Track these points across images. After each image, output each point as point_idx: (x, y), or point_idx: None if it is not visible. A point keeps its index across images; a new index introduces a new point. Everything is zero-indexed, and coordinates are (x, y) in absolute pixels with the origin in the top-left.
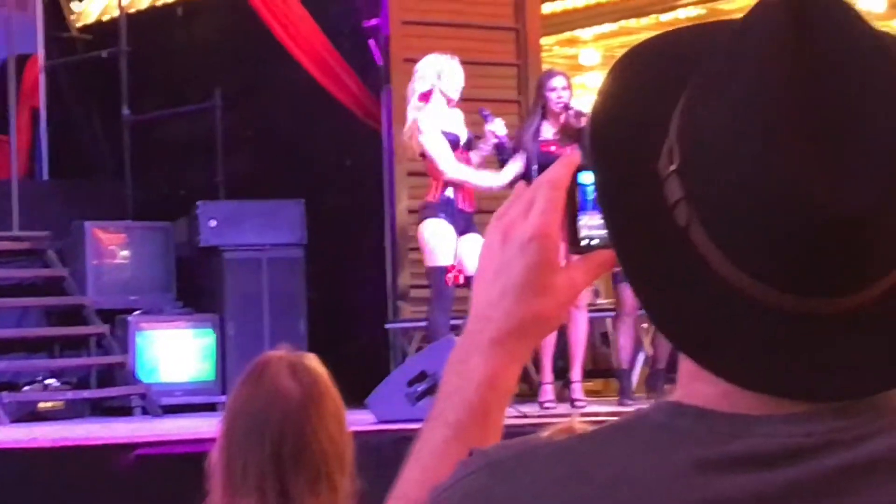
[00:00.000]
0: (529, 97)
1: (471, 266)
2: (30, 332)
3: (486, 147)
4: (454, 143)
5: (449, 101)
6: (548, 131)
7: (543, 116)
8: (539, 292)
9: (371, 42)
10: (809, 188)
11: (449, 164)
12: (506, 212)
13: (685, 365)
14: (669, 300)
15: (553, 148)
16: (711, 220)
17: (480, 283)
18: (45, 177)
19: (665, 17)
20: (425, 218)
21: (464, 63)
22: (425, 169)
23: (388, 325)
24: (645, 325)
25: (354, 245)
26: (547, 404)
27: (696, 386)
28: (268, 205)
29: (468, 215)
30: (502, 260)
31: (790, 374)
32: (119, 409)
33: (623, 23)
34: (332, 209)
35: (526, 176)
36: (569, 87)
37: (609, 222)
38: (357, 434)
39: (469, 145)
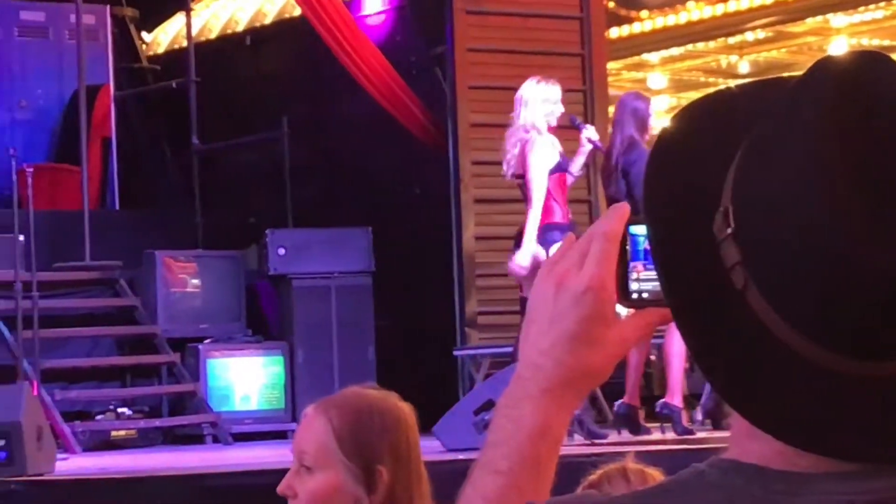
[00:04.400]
0: (597, 122)
1: None
2: (102, 361)
3: (582, 156)
4: (565, 166)
5: (549, 127)
6: None
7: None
8: (591, 344)
9: (437, 70)
10: (869, 254)
11: (537, 206)
12: (558, 260)
13: (739, 423)
14: (724, 360)
15: None
16: (769, 284)
17: (531, 331)
18: (116, 206)
19: (732, 40)
20: (554, 240)
21: None
22: (522, 191)
23: (456, 352)
24: None
25: (422, 272)
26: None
27: (751, 444)
28: (336, 232)
29: None
30: (556, 309)
31: (846, 434)
32: (191, 438)
33: (690, 46)
34: (399, 236)
35: None
36: None
37: (664, 282)
38: (424, 463)
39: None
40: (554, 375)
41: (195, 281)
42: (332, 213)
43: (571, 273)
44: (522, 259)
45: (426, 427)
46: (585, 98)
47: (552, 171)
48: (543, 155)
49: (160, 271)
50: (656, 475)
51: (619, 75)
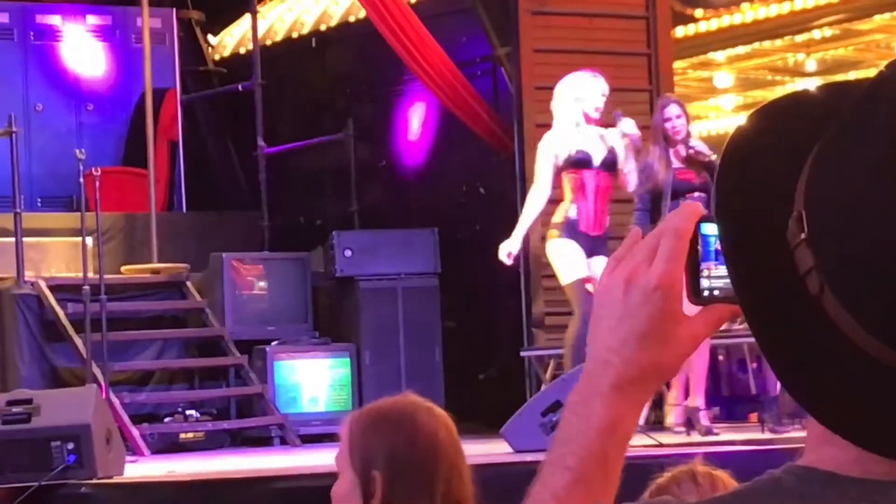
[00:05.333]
0: None
1: None
2: (170, 363)
3: (628, 152)
4: (585, 161)
5: (588, 118)
6: (674, 159)
7: (668, 144)
8: (661, 341)
9: (502, 70)
10: None
11: (533, 195)
12: (624, 256)
13: (814, 428)
14: (799, 365)
15: (688, 176)
16: (845, 289)
17: (600, 327)
18: (184, 209)
19: (799, 38)
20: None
21: None
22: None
23: (523, 353)
24: None
25: (489, 273)
26: (676, 428)
27: (826, 450)
28: (402, 234)
29: (593, 239)
30: (625, 307)
31: None
32: (258, 440)
33: (757, 44)
34: (465, 238)
35: (657, 206)
36: (683, 114)
37: (735, 282)
38: (492, 465)
39: (608, 165)
40: (623, 372)
41: (262, 283)
42: (398, 214)
43: (640, 270)
44: (502, 248)
45: (494, 428)
46: (651, 98)
47: (566, 166)
48: (547, 144)
49: (227, 274)
50: (725, 478)
51: (685, 74)
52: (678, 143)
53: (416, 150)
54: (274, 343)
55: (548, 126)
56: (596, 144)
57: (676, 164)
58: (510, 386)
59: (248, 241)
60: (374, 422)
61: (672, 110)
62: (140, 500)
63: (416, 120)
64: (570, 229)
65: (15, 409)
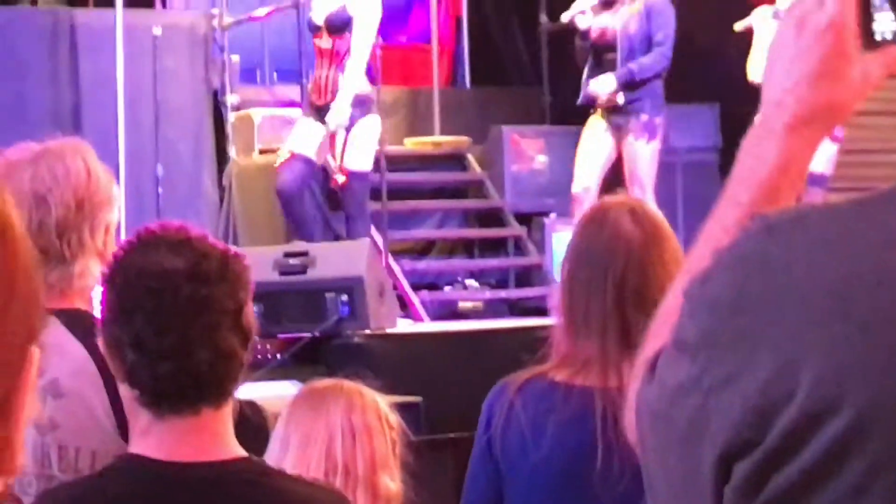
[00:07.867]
0: None
1: None
2: (449, 233)
3: None
4: None
5: None
6: None
7: None
8: (834, 81)
9: None
10: None
11: None
12: (798, 4)
13: None
14: None
15: None
16: None
17: (774, 71)
18: (467, 84)
19: None
20: None
21: None
22: None
23: None
24: None
25: None
26: None
27: None
28: (682, 109)
29: None
30: (797, 48)
31: None
32: (536, 310)
33: None
34: (746, 113)
35: None
36: None
37: None
38: None
39: None
40: (796, 111)
41: (542, 157)
42: (679, 89)
43: (812, 13)
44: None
45: None
46: None
47: None
48: None
49: (507, 147)
50: None
51: None
52: None
53: (698, 23)
54: (552, 215)
55: None
56: None
57: None
58: None
59: (529, 116)
60: None
61: None
62: (411, 351)
63: None
64: None
65: (292, 261)
